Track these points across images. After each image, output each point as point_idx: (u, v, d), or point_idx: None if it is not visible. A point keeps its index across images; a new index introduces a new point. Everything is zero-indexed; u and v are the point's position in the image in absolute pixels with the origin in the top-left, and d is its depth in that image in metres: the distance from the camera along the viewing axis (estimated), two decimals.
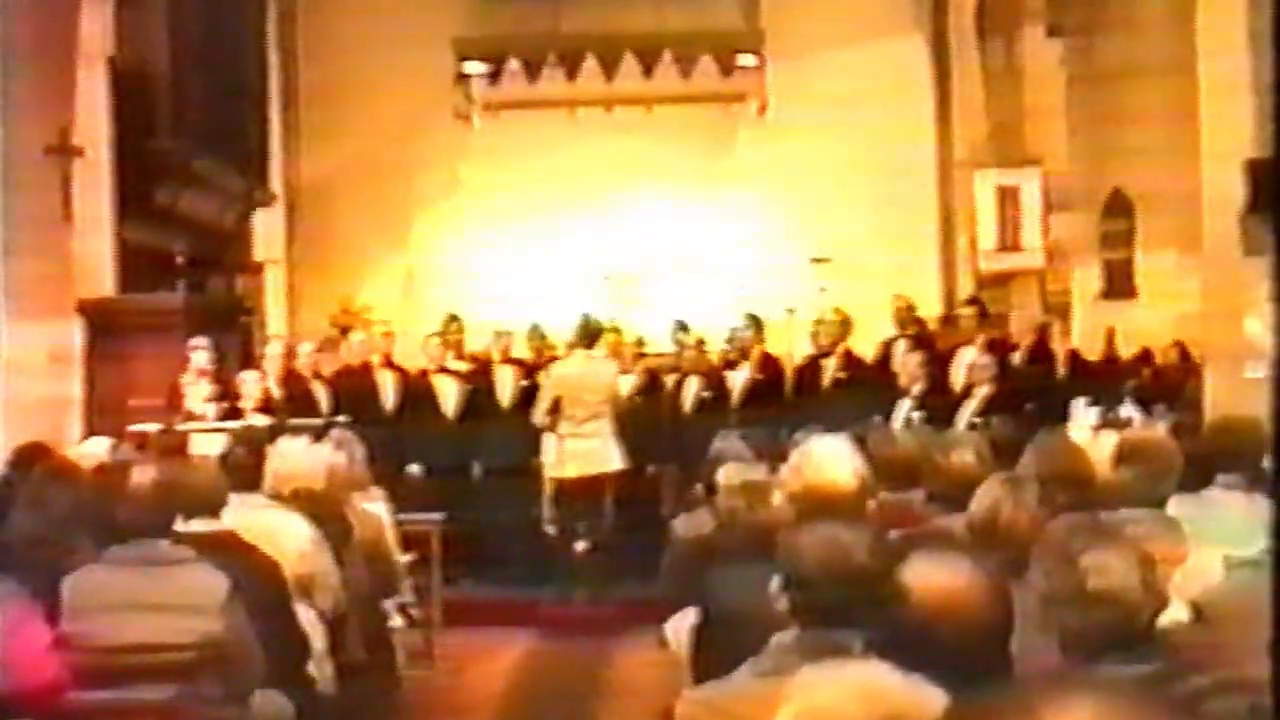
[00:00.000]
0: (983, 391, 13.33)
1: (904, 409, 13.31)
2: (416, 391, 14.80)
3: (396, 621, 9.37)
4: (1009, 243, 18.83)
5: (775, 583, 4.18)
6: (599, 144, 19.98)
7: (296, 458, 7.97)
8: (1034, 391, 13.69)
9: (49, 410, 12.61)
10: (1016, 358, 15.02)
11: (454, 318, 15.64)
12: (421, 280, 20.20)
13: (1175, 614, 4.34)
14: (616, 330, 15.66)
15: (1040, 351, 15.35)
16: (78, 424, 12.78)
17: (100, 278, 13.65)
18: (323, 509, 7.74)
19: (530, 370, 14.79)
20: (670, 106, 20.19)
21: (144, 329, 13.39)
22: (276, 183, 19.22)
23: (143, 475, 6.32)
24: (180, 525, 6.60)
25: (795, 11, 19.74)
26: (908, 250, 19.66)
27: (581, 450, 13.46)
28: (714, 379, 14.83)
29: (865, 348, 15.14)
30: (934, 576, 3.67)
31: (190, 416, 12.31)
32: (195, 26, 15.37)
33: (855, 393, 14.07)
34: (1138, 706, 3.06)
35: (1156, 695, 3.67)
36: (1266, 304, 10.20)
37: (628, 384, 14.77)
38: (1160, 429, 7.44)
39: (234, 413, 12.64)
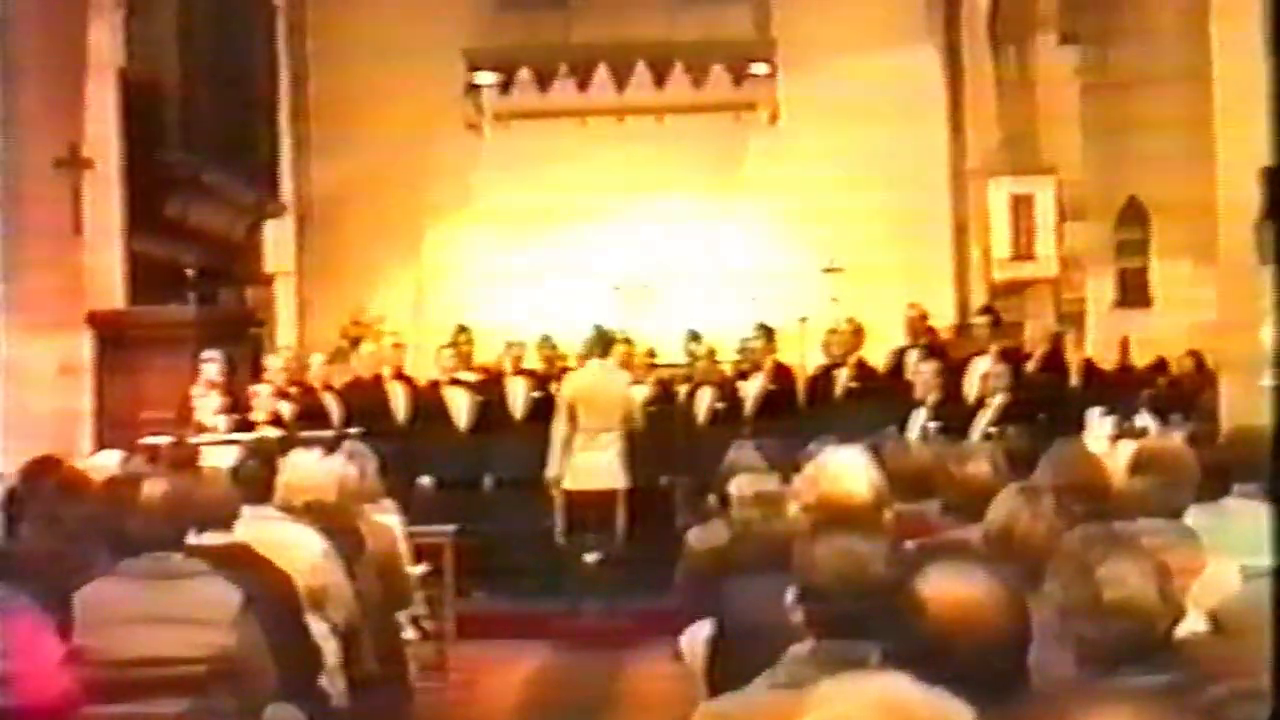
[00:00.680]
0: (997, 401, 13.29)
1: (919, 419, 13.27)
2: (428, 403, 14.78)
3: (409, 634, 9.34)
4: (1023, 251, 18.78)
5: (791, 594, 4.15)
6: (610, 154, 19.97)
7: (308, 470, 7.94)
8: (1049, 401, 13.64)
9: (59, 423, 12.62)
10: (1030, 367, 14.98)
11: (464, 329, 15.63)
12: (432, 291, 20.19)
13: (1193, 624, 4.31)
14: (628, 341, 15.64)
15: (1054, 361, 15.30)
16: (88, 436, 12.77)
17: (110, 290, 13.66)
18: (335, 521, 7.72)
19: (542, 381, 14.78)
20: (682, 116, 20.17)
21: (154, 341, 13.40)
22: (287, 194, 19.24)
23: (154, 488, 6.29)
24: (192, 538, 6.58)
25: (807, 20, 19.71)
26: (921, 259, 19.63)
27: (591, 463, 13.44)
28: (727, 389, 14.81)
29: (878, 357, 15.11)
30: (950, 587, 3.63)
31: (201, 429, 12.30)
32: (205, 38, 15.38)
33: (868, 403, 14.04)
34: (1156, 717, 3.03)
35: (1174, 706, 3.63)
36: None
37: (640, 394, 14.75)
38: (1176, 439, 7.38)
39: (245, 425, 12.62)
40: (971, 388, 13.84)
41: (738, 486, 7.00)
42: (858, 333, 14.92)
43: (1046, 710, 3.50)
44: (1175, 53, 16.27)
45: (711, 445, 10.71)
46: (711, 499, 8.55)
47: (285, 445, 9.33)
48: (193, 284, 14.10)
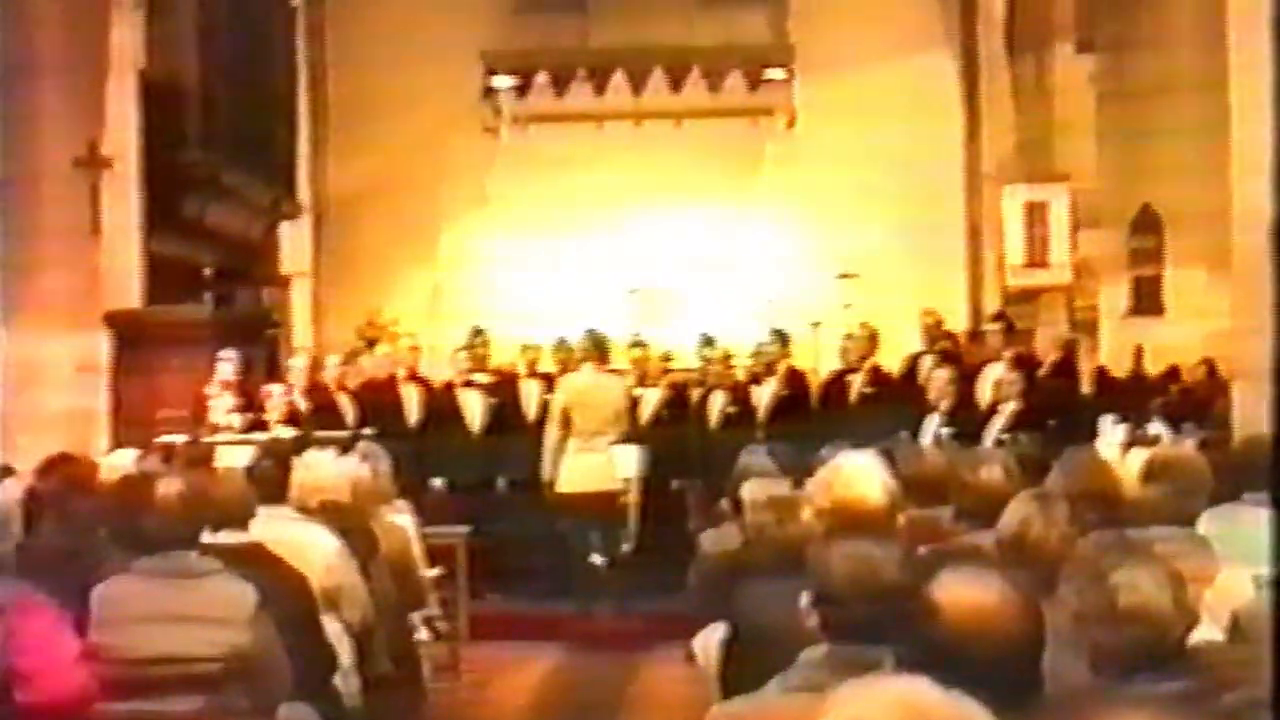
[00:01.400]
0: (1010, 408, 13.29)
1: (932, 425, 13.28)
2: (441, 405, 14.81)
3: (422, 635, 9.36)
4: (1037, 259, 18.79)
5: (805, 598, 4.17)
6: (627, 158, 20.00)
7: (323, 470, 7.96)
8: (1061, 408, 13.64)
9: (75, 421, 12.66)
10: (1042, 374, 14.98)
11: (480, 331, 15.64)
12: (448, 293, 20.22)
13: (1206, 632, 4.32)
14: (642, 344, 15.67)
15: (1066, 368, 15.30)
16: (104, 435, 12.81)
17: (128, 289, 13.69)
18: (349, 522, 7.74)
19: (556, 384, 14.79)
20: (698, 120, 20.22)
21: (171, 341, 13.43)
22: (304, 195, 19.29)
23: (169, 487, 6.31)
24: (208, 537, 6.61)
25: (824, 26, 19.75)
26: (935, 265, 19.65)
27: (586, 466, 13.46)
28: (740, 394, 14.81)
29: (891, 363, 15.12)
30: (964, 592, 3.65)
31: (216, 428, 12.33)
32: (225, 40, 15.43)
33: (882, 408, 14.04)
34: None
35: (1189, 713, 3.65)
36: None
37: (653, 398, 14.77)
38: (1189, 446, 7.40)
39: (260, 425, 12.66)
40: (985, 394, 13.85)
41: (750, 491, 7.01)
42: (873, 338, 14.93)
43: (1061, 716, 3.52)
44: (1191, 61, 16.27)
45: (724, 449, 10.71)
46: (724, 503, 8.57)
47: (300, 445, 9.36)
48: (209, 284, 14.16)
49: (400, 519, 9.24)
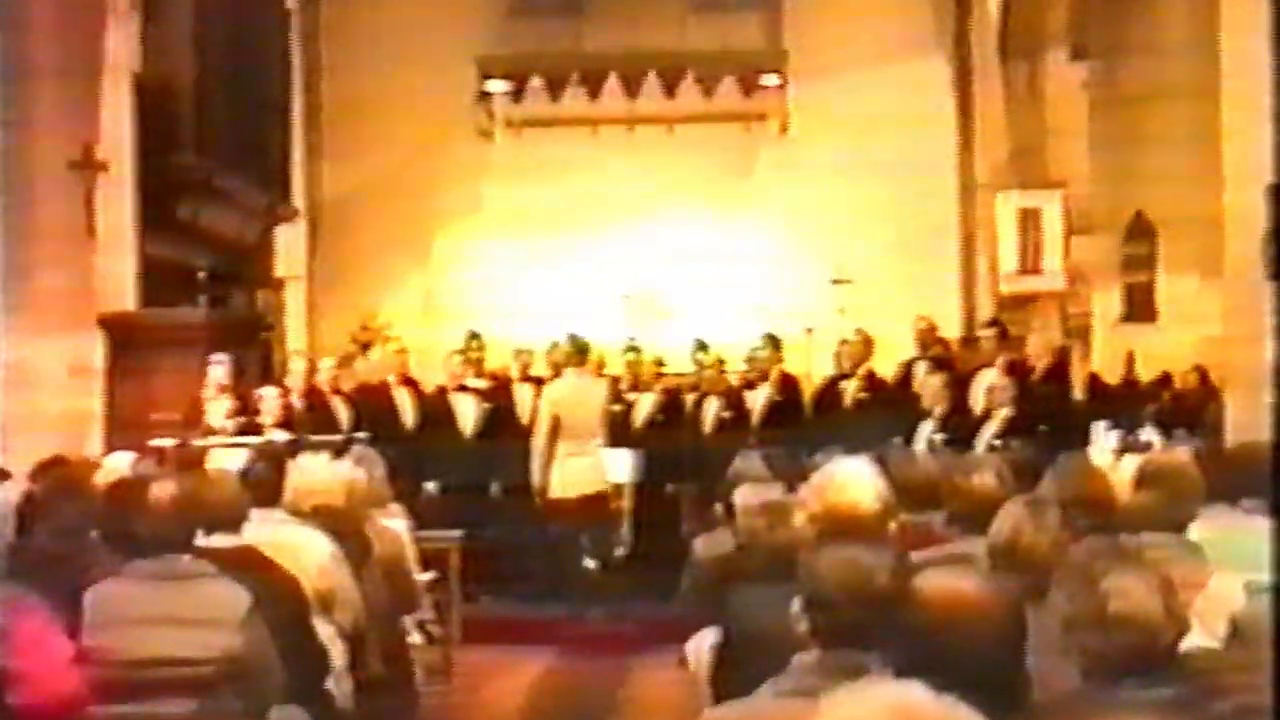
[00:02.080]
0: (1003, 414, 13.32)
1: (925, 430, 13.30)
2: (435, 409, 14.83)
3: (415, 638, 9.36)
4: (1030, 265, 18.82)
5: (796, 604, 4.18)
6: (620, 163, 20.03)
7: (317, 474, 7.96)
8: (1054, 414, 13.66)
9: (69, 424, 12.66)
10: (1033, 380, 15.00)
11: (476, 335, 15.66)
12: (442, 297, 20.24)
13: (1196, 639, 4.33)
14: (636, 349, 15.69)
15: (1059, 374, 15.32)
16: (98, 438, 12.81)
17: (122, 292, 13.69)
18: (342, 525, 7.74)
19: None
20: (692, 126, 20.24)
21: (165, 344, 13.42)
22: (298, 199, 19.27)
23: (162, 490, 6.32)
24: (201, 540, 6.61)
25: (818, 32, 19.77)
26: (928, 271, 19.68)
27: (577, 470, 13.47)
28: (733, 399, 14.84)
29: (885, 368, 15.15)
30: (951, 597, 3.66)
31: (210, 431, 12.33)
32: (220, 43, 15.42)
33: (876, 414, 14.08)
34: None
35: (1178, 719, 3.67)
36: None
37: (647, 403, 14.79)
38: (1181, 453, 7.40)
39: (254, 428, 12.66)
40: (978, 400, 13.87)
41: (743, 496, 7.03)
42: (868, 344, 14.96)
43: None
44: (1184, 69, 16.31)
45: (718, 454, 10.74)
46: (717, 508, 8.58)
47: (294, 449, 9.37)
48: (204, 287, 14.15)
49: (394, 523, 9.24)
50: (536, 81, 20.33)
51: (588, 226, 20.13)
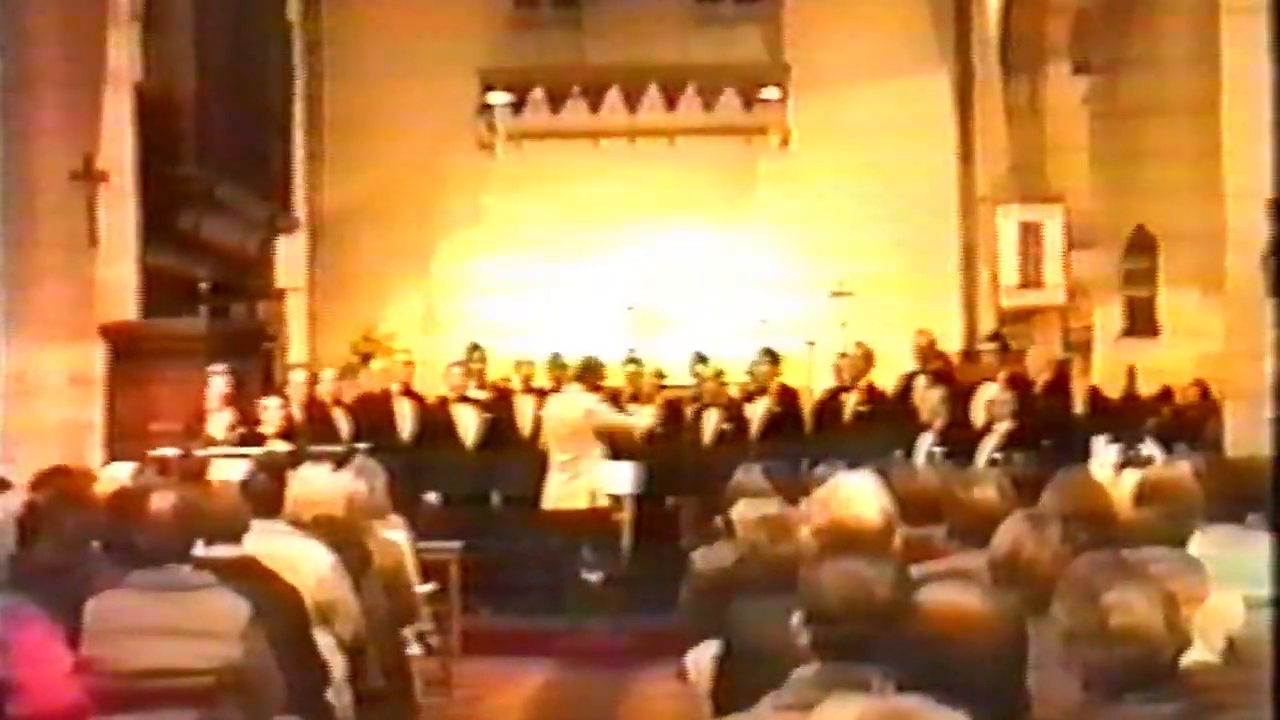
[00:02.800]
0: (1003, 428, 13.32)
1: (925, 444, 13.30)
2: (436, 420, 14.83)
3: (415, 650, 9.36)
4: (1031, 279, 18.81)
5: (797, 617, 4.18)
6: (621, 175, 20.03)
7: (318, 484, 7.96)
8: (1054, 428, 13.67)
9: (70, 434, 12.65)
10: (1035, 394, 15.00)
11: (477, 347, 15.67)
12: (442, 309, 20.24)
13: (1197, 654, 4.33)
14: (636, 362, 15.69)
15: (1059, 388, 15.32)
16: (98, 448, 12.80)
17: (123, 302, 13.69)
18: (343, 536, 7.74)
19: None
20: (693, 138, 20.24)
21: (166, 354, 13.42)
22: (299, 210, 19.29)
23: (162, 501, 6.32)
24: (201, 550, 6.62)
25: (819, 45, 19.78)
26: (929, 285, 19.69)
27: (566, 485, 13.52)
28: (733, 411, 14.84)
29: (886, 382, 15.15)
30: (952, 611, 3.67)
31: (211, 442, 12.33)
32: (221, 53, 15.43)
33: (876, 427, 14.08)
34: None
35: None
36: None
37: (648, 415, 14.79)
38: (1182, 468, 7.40)
39: (254, 438, 12.66)
40: (978, 414, 13.87)
41: (742, 509, 7.03)
42: (868, 357, 14.95)
43: None
44: (1185, 84, 16.34)
45: (718, 466, 10.73)
46: (718, 520, 8.58)
47: (294, 460, 9.37)
48: (205, 298, 14.15)
49: (394, 534, 9.24)
50: (538, 93, 20.35)
51: (588, 238, 20.13)
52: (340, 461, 9.47)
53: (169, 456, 11.22)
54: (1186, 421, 15.22)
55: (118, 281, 13.62)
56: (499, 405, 15.06)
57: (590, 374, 14.07)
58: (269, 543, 7.18)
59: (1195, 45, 15.52)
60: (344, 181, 20.12)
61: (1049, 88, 19.19)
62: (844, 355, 15.16)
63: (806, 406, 15.16)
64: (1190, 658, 4.10)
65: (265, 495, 7.68)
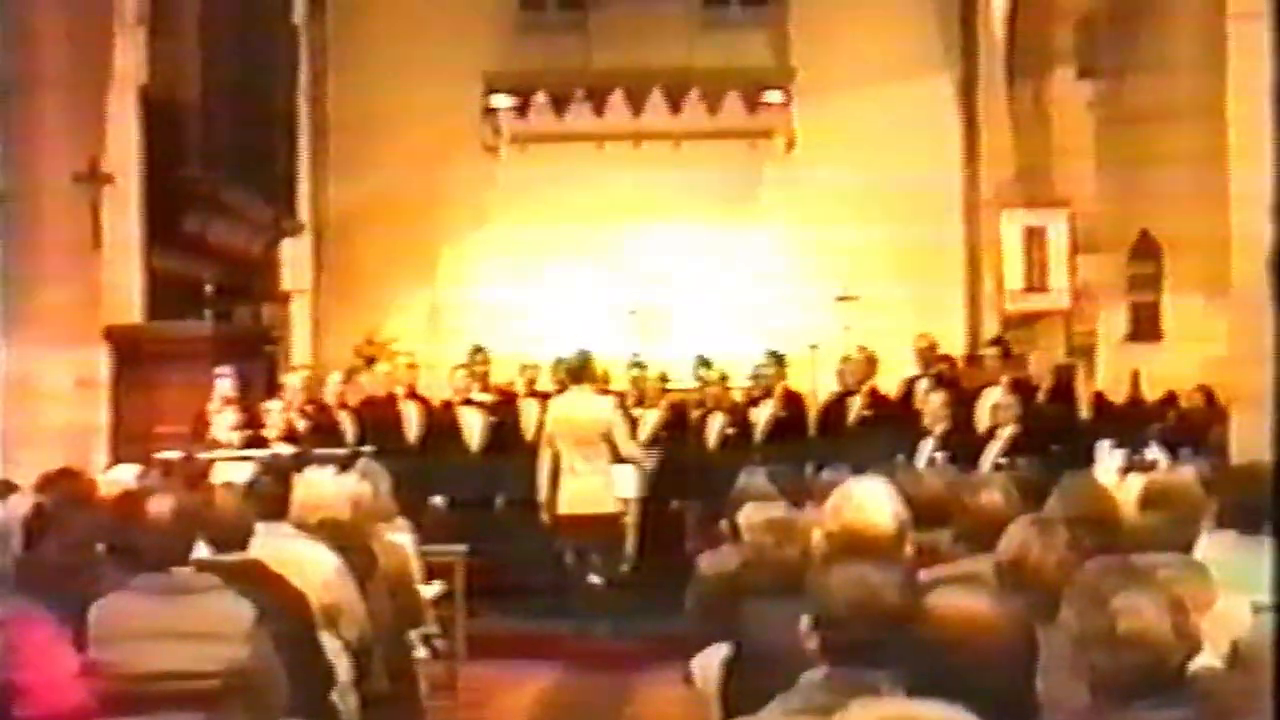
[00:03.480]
0: (1007, 432, 13.32)
1: (927, 448, 13.30)
2: (441, 423, 14.83)
3: (420, 653, 9.36)
4: (1035, 283, 18.81)
5: (805, 622, 4.18)
6: (626, 178, 20.02)
7: (323, 487, 7.96)
8: (1058, 433, 13.66)
9: (75, 436, 12.67)
10: (1037, 399, 15.00)
11: (480, 349, 15.66)
12: (447, 312, 20.23)
13: (1205, 659, 4.32)
14: (641, 365, 15.69)
15: (1063, 393, 15.31)
16: (104, 450, 12.82)
17: (128, 305, 13.71)
18: (348, 539, 7.74)
19: None
20: (697, 142, 20.24)
21: (171, 357, 13.45)
22: (304, 213, 19.32)
23: (163, 504, 6.32)
24: (205, 553, 6.62)
25: (824, 49, 19.78)
26: (933, 289, 19.66)
27: (583, 489, 13.48)
28: (738, 415, 14.84)
29: (891, 386, 15.14)
30: (961, 616, 3.67)
31: (216, 444, 12.34)
32: (227, 57, 15.46)
33: (879, 431, 14.07)
34: None
35: None
36: None
37: (651, 419, 14.79)
38: (1186, 473, 7.40)
39: (259, 441, 12.67)
40: (982, 418, 13.86)
41: (747, 513, 7.02)
42: (871, 361, 14.95)
43: None
44: (1190, 88, 16.33)
45: (722, 470, 10.73)
46: (723, 524, 8.58)
47: (300, 462, 9.37)
48: (210, 300, 14.17)
49: (399, 537, 9.24)
50: (542, 97, 20.35)
51: (592, 241, 20.13)
52: (345, 464, 9.46)
53: (174, 459, 11.22)
54: (1191, 426, 15.21)
55: (122, 284, 13.65)
56: (503, 408, 15.06)
57: (587, 372, 14.00)
58: (274, 546, 7.18)
59: (1200, 50, 15.51)
60: (349, 184, 20.11)
61: (1054, 92, 19.18)
62: (847, 359, 15.16)
63: (811, 410, 15.16)
64: (1198, 663, 4.09)
65: (270, 498, 7.68)
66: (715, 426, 14.77)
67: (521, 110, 20.32)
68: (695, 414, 15.19)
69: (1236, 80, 12.20)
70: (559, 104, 20.41)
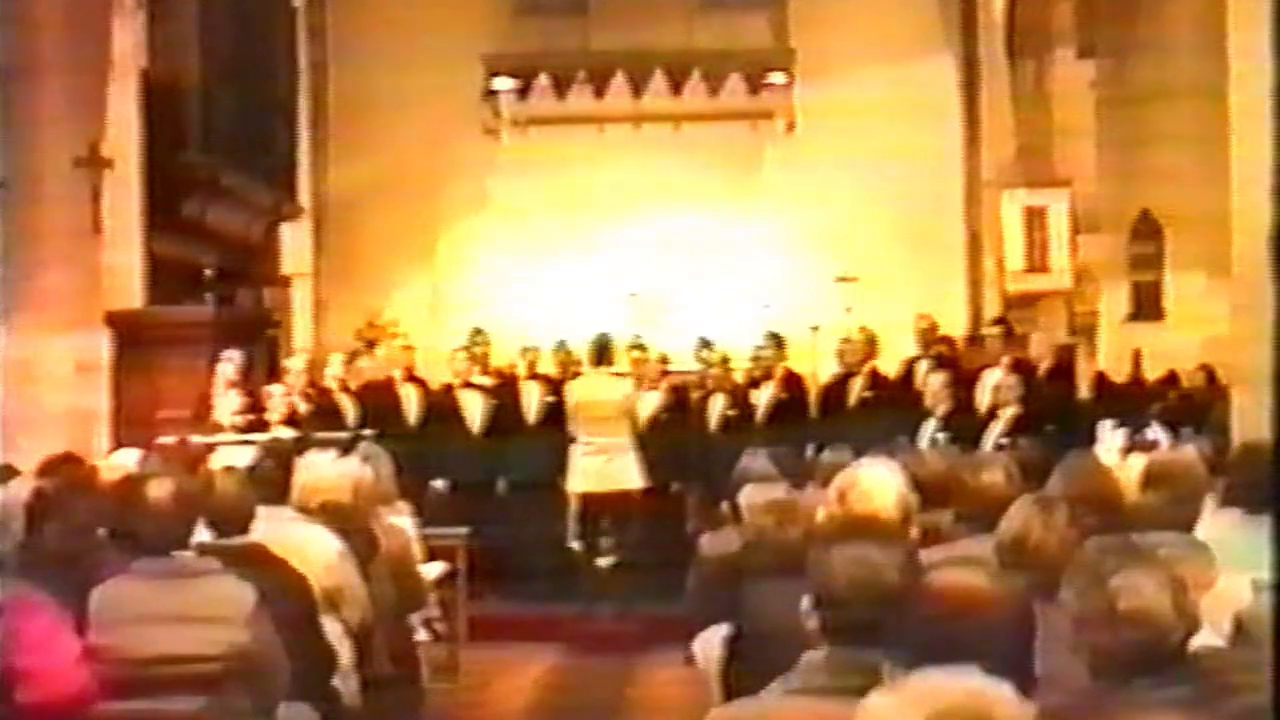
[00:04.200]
0: (1009, 412, 13.32)
1: (929, 429, 13.30)
2: (442, 406, 14.83)
3: (422, 636, 9.37)
4: (1036, 264, 18.80)
5: (806, 602, 4.18)
6: (627, 161, 20.00)
7: (324, 471, 7.97)
8: (1061, 413, 13.66)
9: (76, 421, 12.67)
10: (1040, 378, 14.99)
11: (480, 331, 15.67)
12: (448, 295, 20.22)
13: (1205, 638, 4.33)
14: (641, 347, 15.68)
15: (1064, 373, 15.31)
16: (105, 435, 12.82)
17: (129, 290, 13.71)
18: (349, 523, 7.75)
19: (556, 386, 14.81)
20: (698, 124, 20.20)
21: (172, 341, 13.45)
22: (304, 196, 19.28)
23: (162, 488, 6.33)
24: (206, 536, 6.63)
25: (825, 30, 19.74)
26: (935, 270, 19.65)
27: (595, 468, 13.53)
28: (739, 397, 14.84)
29: (892, 367, 15.14)
30: (961, 595, 3.66)
31: (217, 428, 12.35)
32: (226, 40, 15.43)
33: (880, 412, 14.07)
34: None
35: (1188, 718, 3.66)
36: None
37: (652, 401, 14.79)
38: (1188, 452, 7.40)
39: (260, 425, 12.67)
40: (983, 399, 13.86)
41: (748, 494, 7.04)
42: (871, 342, 14.95)
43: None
44: (1191, 67, 16.31)
45: (724, 452, 10.75)
46: (724, 506, 8.59)
47: (301, 446, 9.38)
48: (210, 284, 14.16)
49: (401, 520, 9.25)
50: (543, 80, 20.32)
51: (593, 224, 20.11)
52: (346, 448, 9.47)
53: (175, 443, 11.23)
54: (1192, 406, 15.22)
55: (123, 268, 13.64)
56: (504, 391, 15.06)
57: (608, 354, 14.11)
58: (275, 529, 7.19)
59: (1201, 29, 15.48)
60: (349, 168, 20.09)
61: (1055, 72, 19.16)
62: (846, 340, 15.15)
63: (812, 392, 15.16)
64: (1198, 642, 4.09)
65: (272, 481, 7.70)
66: (716, 408, 14.77)
67: (522, 93, 20.29)
68: (696, 396, 15.19)
69: (1237, 59, 12.17)
70: (559, 86, 20.37)
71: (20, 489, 7.00)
